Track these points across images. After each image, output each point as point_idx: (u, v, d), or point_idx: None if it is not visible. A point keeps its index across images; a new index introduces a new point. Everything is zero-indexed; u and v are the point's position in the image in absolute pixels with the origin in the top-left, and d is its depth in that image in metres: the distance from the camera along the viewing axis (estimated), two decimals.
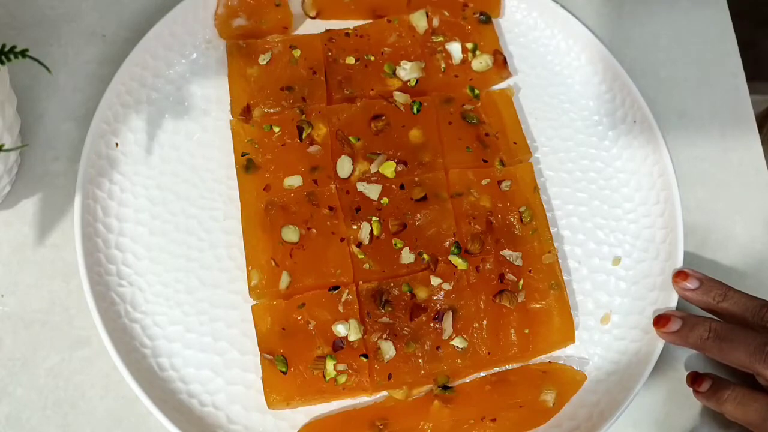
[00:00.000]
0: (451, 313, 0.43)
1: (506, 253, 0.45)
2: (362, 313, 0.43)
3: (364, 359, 0.42)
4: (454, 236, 0.45)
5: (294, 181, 0.45)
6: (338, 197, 0.45)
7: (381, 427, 0.42)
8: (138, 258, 0.46)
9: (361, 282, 0.44)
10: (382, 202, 0.45)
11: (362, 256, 0.44)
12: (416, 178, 0.46)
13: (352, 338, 0.42)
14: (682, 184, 0.48)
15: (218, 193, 0.47)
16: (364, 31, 0.51)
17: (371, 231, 0.44)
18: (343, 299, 0.43)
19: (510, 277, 0.45)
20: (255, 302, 0.44)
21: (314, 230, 0.44)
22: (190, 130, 0.49)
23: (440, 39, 0.51)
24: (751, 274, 0.48)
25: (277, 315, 0.42)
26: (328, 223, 0.44)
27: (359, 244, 0.44)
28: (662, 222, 0.48)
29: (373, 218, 0.44)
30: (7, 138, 0.42)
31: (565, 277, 0.46)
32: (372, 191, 0.45)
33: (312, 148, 0.46)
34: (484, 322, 0.43)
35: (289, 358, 0.41)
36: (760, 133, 0.53)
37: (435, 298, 0.43)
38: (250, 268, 0.44)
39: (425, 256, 0.44)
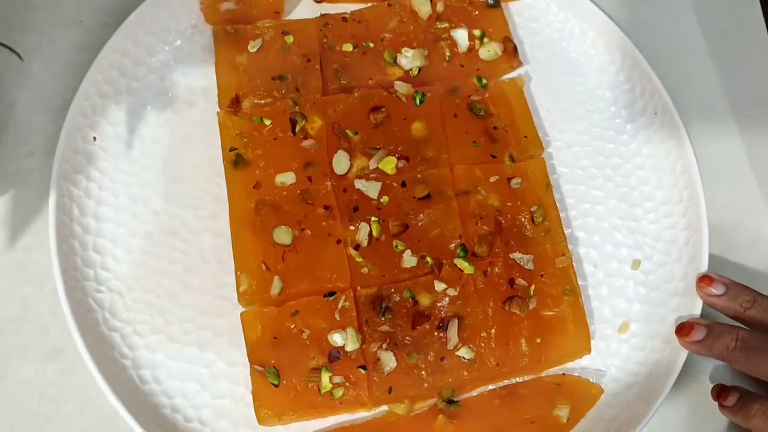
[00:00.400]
0: (456, 321, 0.41)
1: (516, 255, 0.43)
2: (360, 321, 0.40)
3: (363, 371, 0.39)
4: (460, 238, 0.42)
5: (286, 178, 0.43)
6: (334, 195, 0.43)
7: None
8: (117, 261, 0.43)
9: (359, 287, 0.41)
10: (381, 200, 0.43)
11: (360, 260, 0.42)
12: (419, 175, 0.44)
13: (349, 348, 0.40)
14: (706, 182, 0.46)
15: (205, 191, 0.45)
16: (362, 15, 0.48)
17: (370, 232, 0.42)
18: (339, 306, 0.40)
19: (520, 282, 0.42)
20: (244, 309, 0.41)
21: (308, 231, 0.42)
22: (174, 123, 0.46)
23: (445, 25, 0.48)
24: None
25: (269, 323, 0.40)
26: (324, 223, 0.42)
27: (357, 247, 0.42)
28: (685, 222, 0.45)
29: (372, 218, 0.42)
30: None
31: (579, 283, 0.43)
32: (371, 189, 0.43)
33: (306, 143, 0.44)
34: (493, 330, 0.41)
35: (281, 369, 0.39)
36: None
37: (439, 304, 0.41)
38: (239, 272, 0.41)
39: (429, 259, 0.42)
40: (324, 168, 0.43)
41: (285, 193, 0.42)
